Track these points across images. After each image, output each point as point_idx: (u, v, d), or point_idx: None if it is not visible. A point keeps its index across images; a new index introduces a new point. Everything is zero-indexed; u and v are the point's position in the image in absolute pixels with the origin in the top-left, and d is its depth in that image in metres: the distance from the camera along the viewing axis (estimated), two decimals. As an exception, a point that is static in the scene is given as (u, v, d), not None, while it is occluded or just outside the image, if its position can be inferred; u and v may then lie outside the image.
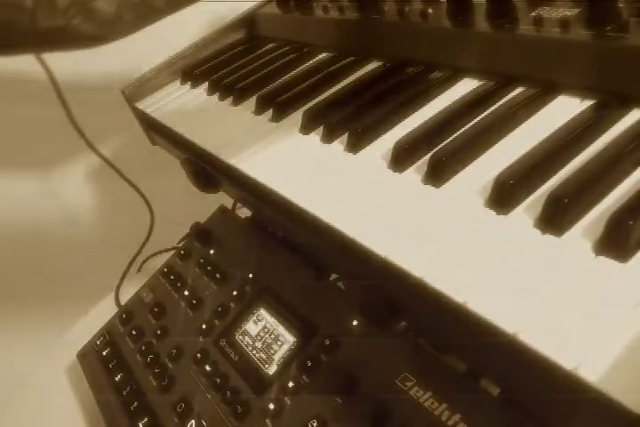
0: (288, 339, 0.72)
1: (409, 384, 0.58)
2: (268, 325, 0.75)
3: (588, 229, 0.40)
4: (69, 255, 1.20)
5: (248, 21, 1.01)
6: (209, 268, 0.90)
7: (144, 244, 1.26)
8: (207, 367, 0.78)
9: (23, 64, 0.92)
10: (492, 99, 0.58)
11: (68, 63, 0.97)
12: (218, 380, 0.75)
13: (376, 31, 0.75)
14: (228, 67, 0.91)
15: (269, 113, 0.73)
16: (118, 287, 1.23)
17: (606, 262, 0.37)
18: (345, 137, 0.61)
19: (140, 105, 0.93)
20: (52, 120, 1.05)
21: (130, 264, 1.27)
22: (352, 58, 0.78)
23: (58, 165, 1.25)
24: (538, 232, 0.41)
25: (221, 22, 1.01)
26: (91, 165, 1.13)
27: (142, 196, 1.20)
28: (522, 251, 0.40)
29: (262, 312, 0.77)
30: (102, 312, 1.07)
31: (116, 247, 1.23)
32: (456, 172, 0.51)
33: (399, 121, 0.61)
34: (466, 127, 0.56)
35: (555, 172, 0.46)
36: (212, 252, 0.94)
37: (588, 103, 0.52)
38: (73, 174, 1.27)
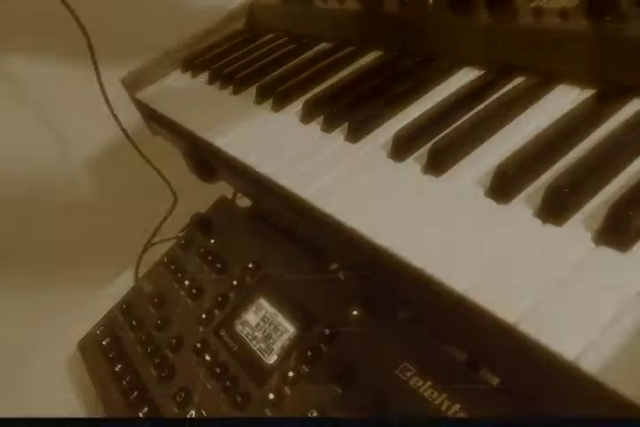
0: (288, 329, 0.72)
1: (408, 374, 0.58)
2: (267, 314, 0.75)
3: (588, 218, 0.40)
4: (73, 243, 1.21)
5: (248, 12, 1.01)
6: (209, 257, 0.91)
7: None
8: (207, 357, 0.78)
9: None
10: (492, 89, 0.58)
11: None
12: (218, 370, 0.75)
13: (376, 21, 0.75)
14: (229, 56, 0.91)
15: (269, 102, 0.73)
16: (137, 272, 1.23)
17: (607, 252, 0.37)
18: (345, 127, 0.60)
19: (141, 95, 0.93)
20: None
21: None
22: (351, 48, 0.78)
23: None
24: (538, 222, 0.41)
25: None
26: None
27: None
28: (522, 240, 0.40)
29: (262, 302, 0.77)
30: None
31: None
32: (456, 161, 0.51)
33: (399, 111, 0.61)
34: (466, 117, 0.56)
35: (555, 161, 0.46)
36: (212, 241, 0.94)
37: (588, 93, 0.52)
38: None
